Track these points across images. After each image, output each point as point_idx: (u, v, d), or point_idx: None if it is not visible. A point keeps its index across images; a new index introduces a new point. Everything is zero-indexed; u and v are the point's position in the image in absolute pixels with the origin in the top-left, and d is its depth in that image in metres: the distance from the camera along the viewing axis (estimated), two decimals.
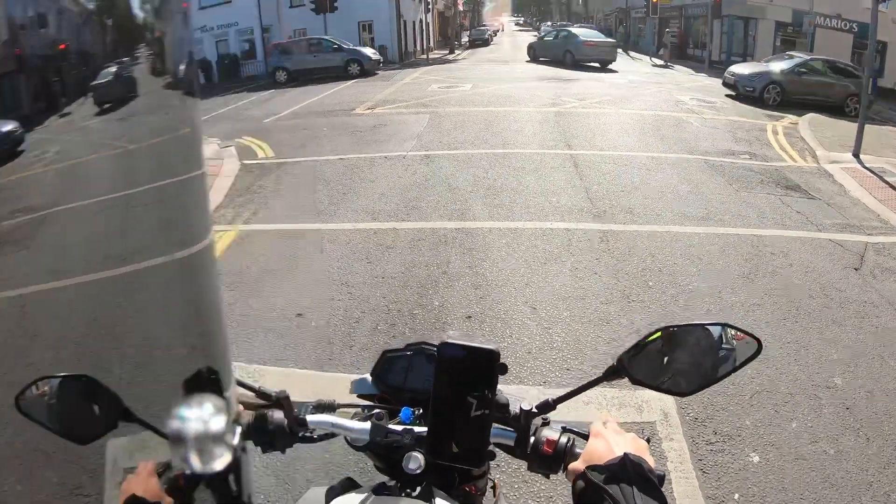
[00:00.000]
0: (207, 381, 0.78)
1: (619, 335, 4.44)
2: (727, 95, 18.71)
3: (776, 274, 5.71)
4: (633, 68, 29.22)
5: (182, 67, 0.85)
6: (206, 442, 0.70)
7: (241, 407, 1.22)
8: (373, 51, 27.73)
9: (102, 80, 0.78)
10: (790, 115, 15.91)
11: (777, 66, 19.27)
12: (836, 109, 16.91)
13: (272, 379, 3.94)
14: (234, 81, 31.26)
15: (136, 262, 0.87)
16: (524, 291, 5.15)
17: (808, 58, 20.35)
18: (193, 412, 0.71)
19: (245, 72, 35.43)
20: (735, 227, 6.93)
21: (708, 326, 1.15)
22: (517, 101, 16.18)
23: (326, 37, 28.73)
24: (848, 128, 13.64)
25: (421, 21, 42.36)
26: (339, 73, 25.56)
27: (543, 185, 8.31)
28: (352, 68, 26.09)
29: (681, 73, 28.08)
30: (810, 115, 16.11)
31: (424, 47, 39.67)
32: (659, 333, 1.13)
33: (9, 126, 0.76)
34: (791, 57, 20.44)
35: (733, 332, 1.15)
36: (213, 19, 36.40)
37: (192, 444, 0.69)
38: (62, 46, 0.78)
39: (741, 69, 19.74)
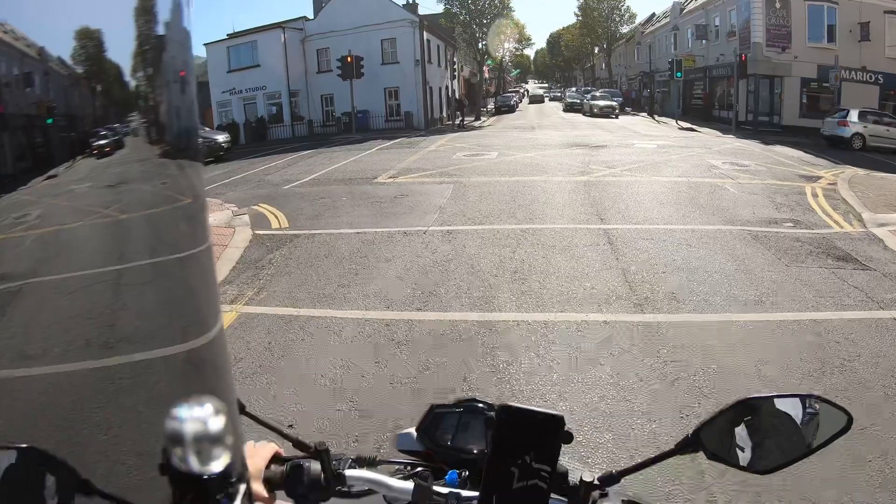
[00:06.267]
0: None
1: None
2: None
3: (845, 368, 4.86)
4: (660, 132, 28.87)
5: (181, 136, 0.79)
6: (205, 442, 0.66)
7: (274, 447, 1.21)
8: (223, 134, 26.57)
9: (91, 145, 0.75)
10: (826, 175, 15.32)
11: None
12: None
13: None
14: (261, 145, 31.65)
15: (125, 353, 0.77)
16: (557, 406, 4.35)
17: None
18: (192, 412, 0.67)
19: (272, 135, 36.06)
20: (792, 312, 6.09)
21: (793, 398, 1.09)
22: (545, 170, 15.69)
23: None
24: (888, 184, 12.93)
25: (447, 87, 42.78)
26: None
27: (576, 267, 7.56)
28: None
29: (709, 135, 27.71)
30: (849, 174, 15.54)
31: (450, 114, 39.83)
32: (739, 406, 1.08)
33: None
34: None
35: (821, 404, 1.09)
36: (242, 82, 37.37)
37: (190, 444, 0.65)
38: (48, 108, 0.75)
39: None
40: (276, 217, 11.26)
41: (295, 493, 1.14)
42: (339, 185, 14.57)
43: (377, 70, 34.69)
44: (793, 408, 1.09)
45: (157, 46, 0.74)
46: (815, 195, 12.67)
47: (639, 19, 62.69)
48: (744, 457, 1.07)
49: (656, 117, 40.11)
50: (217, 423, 0.68)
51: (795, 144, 23.49)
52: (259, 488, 1.12)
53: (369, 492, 1.16)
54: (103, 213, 0.81)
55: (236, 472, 0.75)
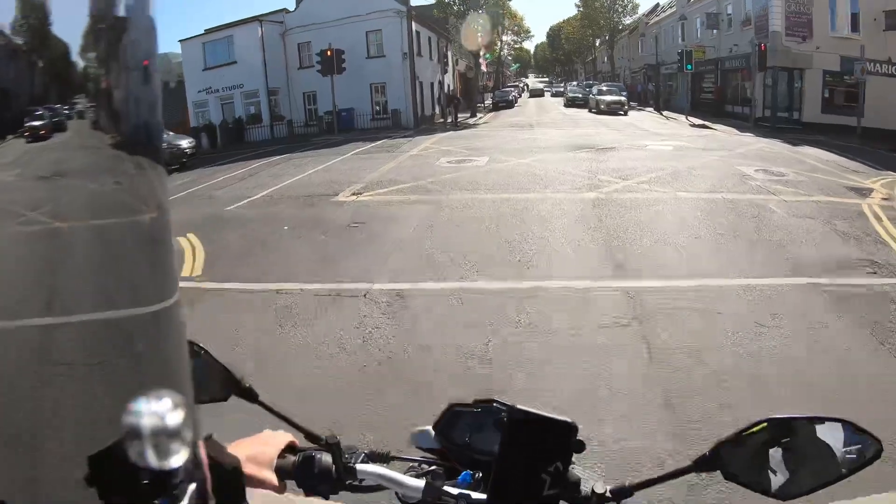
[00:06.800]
0: None
1: None
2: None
3: None
4: (672, 130, 26.13)
5: (141, 130, 0.66)
6: (163, 437, 0.61)
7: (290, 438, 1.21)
8: (186, 139, 23.73)
9: (26, 123, 0.62)
10: (876, 187, 12.79)
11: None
12: None
13: None
14: (236, 148, 29.00)
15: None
16: None
17: None
18: (150, 406, 0.60)
19: (250, 137, 33.38)
20: None
21: (824, 422, 1.02)
22: (543, 183, 12.85)
23: None
24: None
25: (440, 83, 39.83)
26: None
27: (586, 390, 4.51)
28: None
29: (725, 133, 25.07)
30: None
31: (442, 111, 36.95)
32: (764, 425, 1.01)
33: None
34: None
35: (851, 430, 1.02)
36: (219, 80, 34.87)
37: (147, 440, 0.60)
38: None
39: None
40: (195, 257, 8.58)
41: (305, 483, 1.14)
42: (289, 206, 11.83)
43: (362, 64, 31.91)
44: (830, 433, 1.01)
45: (115, 27, 0.63)
46: (877, 217, 9.99)
47: (642, 9, 60.01)
48: (776, 480, 1.00)
49: (664, 113, 37.33)
50: (174, 418, 0.61)
51: (821, 144, 20.84)
52: (270, 476, 1.11)
53: (380, 487, 1.15)
54: (29, 218, 0.61)
55: (182, 472, 0.65)
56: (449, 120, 33.49)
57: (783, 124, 27.61)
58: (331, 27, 32.37)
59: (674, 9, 43.75)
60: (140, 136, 0.65)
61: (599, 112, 36.00)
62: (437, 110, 37.10)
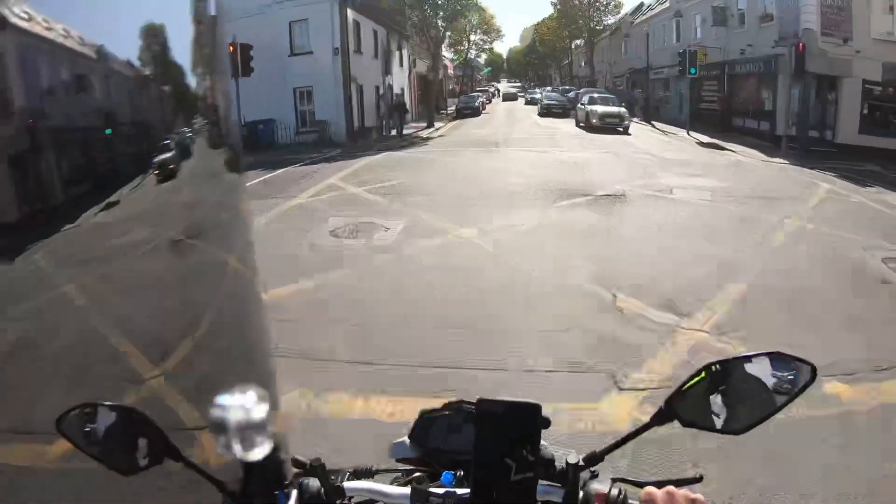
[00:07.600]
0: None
1: None
2: None
3: None
4: (683, 154, 19.90)
5: (239, 142, 0.68)
6: (248, 430, 0.67)
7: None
8: None
9: (153, 160, 0.63)
10: None
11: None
12: None
13: None
14: None
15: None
16: None
17: None
18: (236, 400, 0.67)
19: None
20: None
21: (755, 358, 1.10)
22: (492, 338, 5.48)
23: None
24: None
25: (389, 87, 32.67)
26: None
27: None
28: None
29: (751, 159, 19.18)
30: None
31: (384, 123, 29.75)
32: (703, 374, 1.10)
33: None
34: None
35: (781, 360, 1.10)
36: None
37: (234, 432, 0.67)
38: (106, 115, 0.64)
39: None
40: None
41: None
42: None
43: (285, 63, 24.87)
44: (761, 369, 1.08)
45: (211, 30, 0.60)
46: None
47: (626, 9, 53.84)
48: (718, 422, 1.08)
49: (654, 124, 31.15)
50: (260, 413, 0.66)
51: (883, 179, 15.28)
52: None
53: (370, 501, 1.16)
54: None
55: (290, 473, 0.78)
56: (393, 133, 26.50)
57: (815, 145, 21.63)
58: (250, 18, 25.13)
59: (665, 5, 37.53)
60: (237, 151, 0.65)
61: (590, 128, 27.38)
62: (383, 121, 30.02)
